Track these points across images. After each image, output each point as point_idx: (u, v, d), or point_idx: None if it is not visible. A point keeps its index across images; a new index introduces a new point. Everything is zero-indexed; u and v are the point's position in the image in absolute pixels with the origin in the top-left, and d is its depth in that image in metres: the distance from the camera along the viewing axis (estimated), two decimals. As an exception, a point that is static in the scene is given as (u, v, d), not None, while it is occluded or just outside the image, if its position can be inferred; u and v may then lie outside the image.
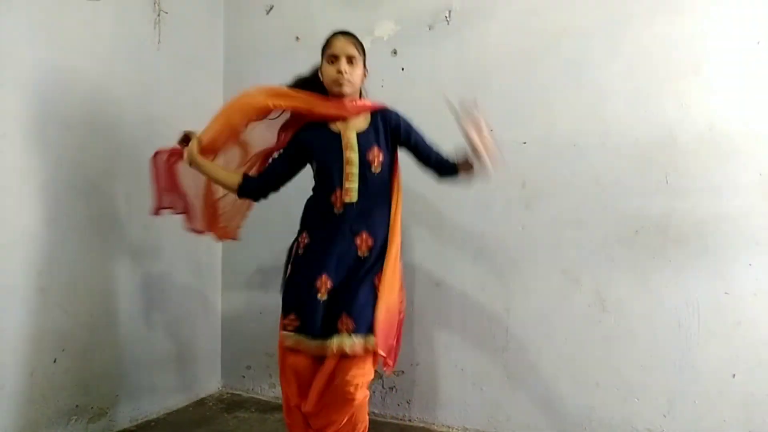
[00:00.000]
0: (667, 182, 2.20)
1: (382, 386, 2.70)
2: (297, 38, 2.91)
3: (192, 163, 1.98)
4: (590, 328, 2.31)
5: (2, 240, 2.08)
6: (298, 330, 1.87)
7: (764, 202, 2.07)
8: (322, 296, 1.85)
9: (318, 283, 1.85)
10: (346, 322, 1.81)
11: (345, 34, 1.93)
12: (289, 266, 1.99)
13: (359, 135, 1.92)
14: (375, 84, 2.63)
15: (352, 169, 1.88)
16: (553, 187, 2.38)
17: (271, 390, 2.98)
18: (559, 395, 2.36)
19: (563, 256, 2.36)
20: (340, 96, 1.90)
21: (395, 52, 2.68)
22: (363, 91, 2.04)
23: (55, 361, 2.27)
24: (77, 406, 2.35)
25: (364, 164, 1.89)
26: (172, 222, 2.76)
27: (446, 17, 2.59)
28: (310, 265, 1.89)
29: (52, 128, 2.25)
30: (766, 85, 2.07)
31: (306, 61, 2.82)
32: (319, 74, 1.98)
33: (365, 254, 1.89)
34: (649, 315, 2.22)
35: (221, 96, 3.10)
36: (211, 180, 2.06)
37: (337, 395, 1.81)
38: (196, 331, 2.97)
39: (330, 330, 1.83)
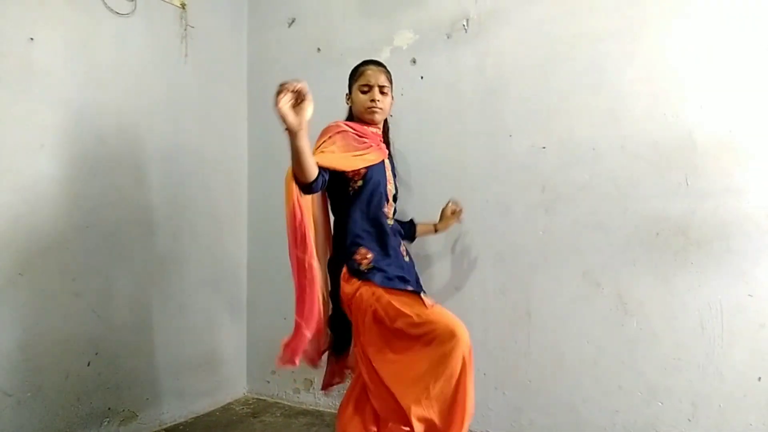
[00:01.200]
0: (687, 184, 2.20)
1: (405, 390, 2.72)
2: (318, 49, 2.98)
3: (298, 131, 1.54)
4: (612, 331, 2.31)
5: (39, 246, 2.19)
6: None
7: (787, 202, 2.06)
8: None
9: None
10: None
11: (376, 63, 2.06)
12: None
13: (389, 161, 2.12)
14: (395, 93, 2.69)
15: (391, 188, 2.06)
16: (573, 191, 2.39)
17: (295, 395, 3.03)
18: (582, 399, 2.36)
19: (584, 260, 2.37)
20: (372, 123, 2.05)
21: (414, 61, 2.73)
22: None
23: (89, 365, 2.35)
24: (109, 408, 2.43)
25: (394, 185, 2.10)
26: (199, 230, 2.87)
27: (464, 26, 2.63)
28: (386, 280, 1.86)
29: (86, 140, 2.35)
30: (786, 85, 2.07)
31: (327, 72, 2.93)
32: (347, 101, 2.11)
33: (407, 258, 2.07)
34: (671, 317, 2.22)
35: (245, 107, 3.20)
36: (298, 158, 1.64)
37: None
38: (222, 337, 3.04)
39: None
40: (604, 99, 2.35)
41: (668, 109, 2.24)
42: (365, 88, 2.01)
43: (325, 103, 3.09)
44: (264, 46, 3.17)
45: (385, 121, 2.19)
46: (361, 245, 1.90)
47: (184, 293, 2.79)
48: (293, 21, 3.07)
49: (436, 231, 2.42)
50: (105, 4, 2.42)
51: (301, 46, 3.04)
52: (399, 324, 1.75)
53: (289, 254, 1.87)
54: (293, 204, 1.77)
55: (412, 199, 2.65)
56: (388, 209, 2.03)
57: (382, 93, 2.02)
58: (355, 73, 2.07)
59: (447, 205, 2.41)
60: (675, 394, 2.21)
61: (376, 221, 1.95)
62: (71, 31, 2.30)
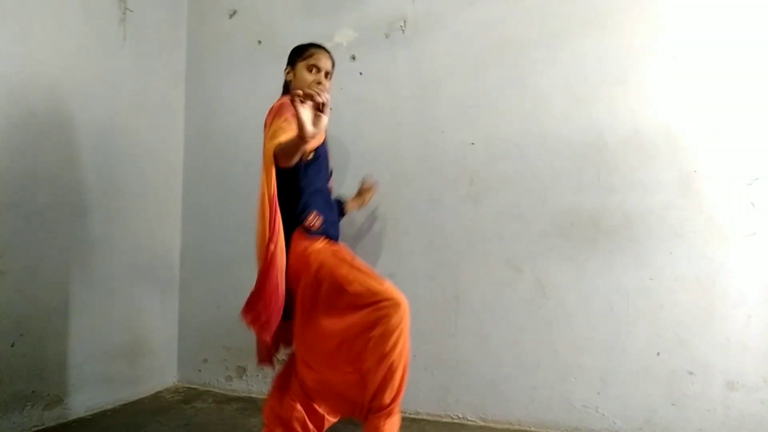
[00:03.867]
0: (599, 179, 2.43)
1: (337, 375, 2.80)
2: (259, 42, 3.04)
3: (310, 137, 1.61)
4: (532, 313, 2.50)
5: (-36, 222, 2.11)
6: None
7: (682, 197, 2.32)
8: None
9: None
10: None
11: (326, 50, 2.14)
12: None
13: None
14: (334, 87, 2.76)
15: (331, 166, 2.18)
16: (498, 184, 2.58)
17: (228, 383, 3.04)
18: (504, 377, 2.53)
19: (507, 248, 2.55)
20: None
21: (354, 58, 2.85)
22: None
23: (12, 346, 2.28)
24: (33, 392, 2.36)
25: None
26: (132, 214, 2.84)
27: (401, 27, 2.78)
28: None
29: (16, 116, 2.30)
30: (683, 93, 2.33)
31: (267, 64, 2.99)
32: (287, 74, 2.15)
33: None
34: (584, 300, 2.43)
35: (183, 95, 3.20)
36: (295, 153, 1.72)
37: None
38: (153, 324, 3.01)
39: None
40: (528, 100, 2.56)
41: (583, 112, 2.47)
42: (313, 69, 2.07)
43: (266, 95, 3.18)
44: (204, 35, 3.19)
45: None
46: (311, 210, 1.96)
47: (114, 278, 2.75)
48: (234, 12, 3.12)
49: (349, 209, 2.47)
50: (41, -20, 2.38)
51: (242, 38, 3.09)
52: (348, 286, 1.85)
53: (260, 248, 1.87)
54: (271, 196, 1.80)
55: (350, 189, 2.75)
56: (331, 184, 2.13)
57: (326, 78, 2.11)
58: (303, 51, 2.11)
59: (362, 182, 2.53)
60: (586, 370, 2.42)
61: (324, 194, 2.05)
62: (4, 6, 2.24)
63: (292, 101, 1.54)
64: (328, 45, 2.85)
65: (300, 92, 1.51)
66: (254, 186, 2.87)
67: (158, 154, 3.03)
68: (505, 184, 2.57)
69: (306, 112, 1.52)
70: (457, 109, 2.66)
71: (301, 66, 2.08)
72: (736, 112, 2.26)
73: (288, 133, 1.71)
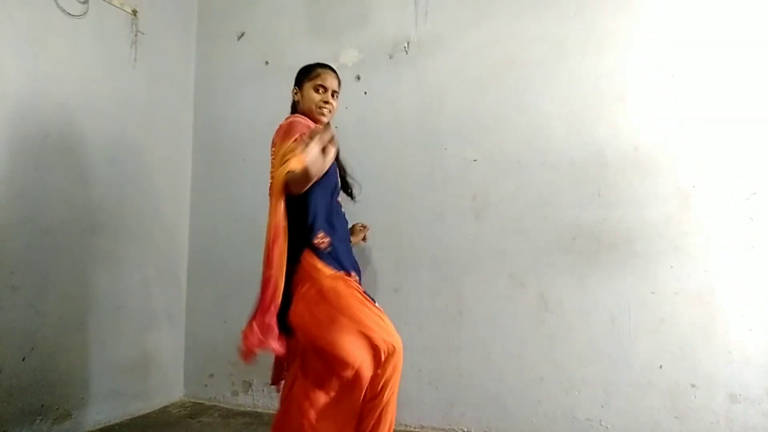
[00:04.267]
0: (599, 195, 2.48)
1: (343, 389, 2.83)
2: (266, 62, 3.12)
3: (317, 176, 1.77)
4: (534, 327, 2.53)
5: (-20, 238, 2.17)
6: None
7: (682, 211, 2.36)
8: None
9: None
10: None
11: (332, 69, 2.16)
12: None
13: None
14: (339, 106, 2.86)
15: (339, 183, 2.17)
16: (501, 200, 2.63)
17: (233, 398, 3.06)
18: (508, 390, 2.55)
19: (510, 262, 2.59)
20: (318, 122, 2.09)
21: (358, 78, 2.92)
22: None
23: (23, 360, 2.32)
24: (43, 406, 2.40)
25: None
26: (141, 231, 2.90)
27: (405, 48, 2.86)
28: (340, 261, 1.97)
29: (32, 135, 2.37)
30: (681, 111, 2.39)
31: (274, 84, 3.07)
32: (295, 95, 2.17)
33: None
34: (586, 314, 2.46)
35: (191, 115, 3.28)
36: (309, 181, 1.79)
37: None
38: (160, 340, 3.04)
39: None
40: (529, 118, 2.61)
41: (583, 129, 2.53)
42: (320, 89, 2.09)
43: (272, 114, 3.25)
44: (212, 56, 3.28)
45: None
46: (319, 230, 1.94)
47: (123, 293, 2.79)
48: (242, 34, 3.21)
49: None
50: (57, 4, 2.48)
51: (250, 59, 3.17)
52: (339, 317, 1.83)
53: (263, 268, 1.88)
54: (278, 222, 1.82)
55: (354, 206, 2.79)
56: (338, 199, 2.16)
57: (333, 97, 2.13)
58: (310, 71, 2.13)
59: (355, 225, 2.44)
60: (589, 384, 2.44)
61: (331, 209, 2.04)
62: (22, 27, 2.34)
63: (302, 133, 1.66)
64: (333, 65, 2.97)
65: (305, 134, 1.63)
66: (261, 203, 2.93)
67: (167, 172, 3.10)
68: (508, 199, 2.62)
69: (313, 151, 1.62)
70: (460, 127, 2.72)
71: (308, 86, 2.11)
72: (733, 129, 2.31)
73: (299, 160, 1.74)
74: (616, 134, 2.48)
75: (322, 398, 1.86)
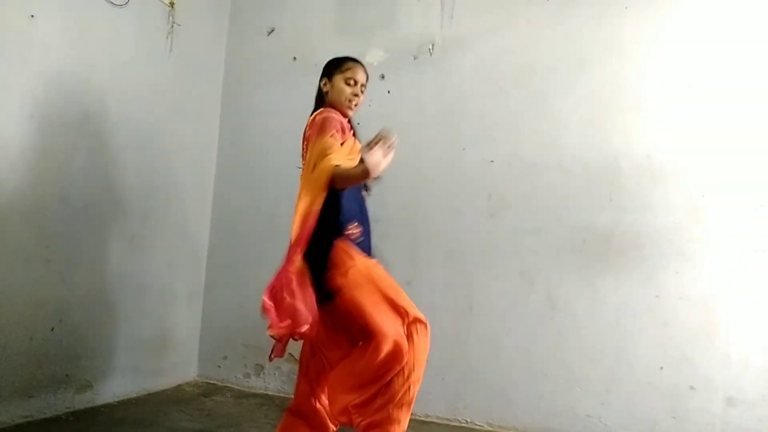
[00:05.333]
0: (611, 200, 2.57)
1: (352, 376, 2.93)
2: (294, 58, 3.23)
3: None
4: (542, 324, 2.62)
5: (19, 210, 2.29)
6: None
7: (690, 220, 2.45)
8: None
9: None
10: None
11: (362, 64, 2.19)
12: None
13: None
14: (363, 104, 2.97)
15: None
16: (515, 201, 2.72)
17: (245, 380, 3.17)
18: (513, 384, 2.64)
19: (521, 261, 2.68)
20: (346, 116, 2.15)
21: (383, 77, 3.02)
22: None
23: (52, 330, 2.43)
24: (67, 375, 2.51)
25: None
26: (167, 214, 3.01)
27: (429, 49, 2.96)
28: (368, 251, 2.07)
29: (73, 116, 2.49)
30: (694, 122, 2.48)
31: (301, 80, 3.17)
32: (324, 86, 2.19)
33: None
34: (593, 314, 2.55)
35: (219, 105, 3.40)
36: (355, 183, 1.99)
37: None
38: (179, 320, 3.15)
39: None
40: (546, 123, 2.71)
41: (599, 136, 2.62)
42: (351, 82, 2.12)
43: (298, 108, 3.35)
44: (242, 50, 3.39)
45: None
46: (352, 221, 2.03)
47: (147, 273, 2.90)
48: (272, 30, 3.32)
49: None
50: (102, -7, 2.59)
51: (278, 54, 3.28)
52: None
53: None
54: (315, 211, 1.88)
55: (373, 201, 2.90)
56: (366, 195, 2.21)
57: (361, 91, 2.17)
58: (341, 64, 2.15)
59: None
60: (592, 381, 2.53)
61: (359, 201, 2.12)
62: (69, 14, 2.45)
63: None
64: (359, 64, 3.08)
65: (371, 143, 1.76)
66: (282, 193, 3.06)
67: (193, 159, 3.21)
68: (522, 200, 2.71)
69: (376, 155, 1.75)
70: (479, 129, 2.81)
71: (338, 78, 2.13)
72: (745, 142, 2.40)
73: (344, 157, 1.88)
74: (631, 142, 2.57)
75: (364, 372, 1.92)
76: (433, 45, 2.95)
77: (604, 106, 2.62)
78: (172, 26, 2.96)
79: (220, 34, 3.39)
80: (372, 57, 3.05)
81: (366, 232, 2.10)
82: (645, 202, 2.52)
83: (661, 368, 2.43)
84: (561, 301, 2.61)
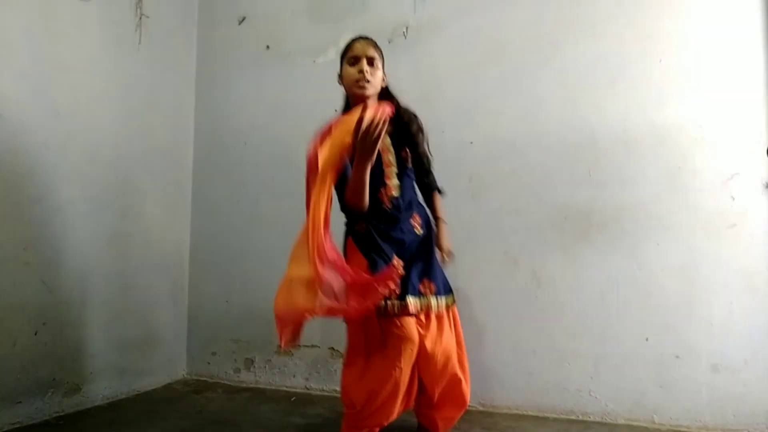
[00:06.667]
0: (590, 176, 2.59)
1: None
2: (267, 47, 3.19)
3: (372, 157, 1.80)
4: (527, 302, 2.64)
5: (-7, 214, 2.23)
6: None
7: (668, 191, 2.47)
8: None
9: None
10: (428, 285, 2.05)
11: (365, 38, 2.09)
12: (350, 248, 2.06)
13: (391, 135, 2.06)
14: (339, 89, 2.94)
15: (392, 169, 2.06)
16: (496, 181, 2.73)
17: (236, 375, 3.16)
18: (502, 363, 2.66)
19: (504, 241, 2.70)
20: (362, 98, 1.99)
21: (358, 62, 2.99)
22: (389, 93, 2.16)
23: (36, 334, 2.39)
24: (54, 379, 2.47)
25: (401, 162, 2.08)
26: (146, 211, 2.97)
27: (404, 33, 2.94)
28: (377, 249, 1.98)
29: (42, 114, 2.43)
30: (668, 95, 2.50)
31: (275, 68, 3.14)
32: (339, 80, 2.11)
33: (420, 231, 2.11)
34: (576, 289, 2.58)
35: (193, 98, 3.35)
36: (360, 184, 1.86)
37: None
38: (164, 317, 3.12)
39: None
40: (523, 102, 2.71)
41: (575, 112, 2.63)
42: (353, 60, 2.01)
43: (273, 97, 3.33)
44: (214, 40, 3.34)
45: (393, 97, 2.14)
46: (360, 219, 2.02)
47: (129, 271, 2.86)
48: (243, 19, 3.27)
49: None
50: (64, -14, 2.52)
51: (251, 43, 3.24)
52: None
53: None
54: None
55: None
56: (387, 190, 2.04)
57: (371, 65, 2.01)
58: (345, 50, 2.08)
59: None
60: (580, 357, 2.56)
61: (374, 201, 1.98)
62: (33, 10, 2.38)
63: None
64: (333, 50, 3.05)
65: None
66: (262, 185, 3.05)
67: (169, 153, 3.16)
68: (502, 180, 2.72)
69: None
70: (457, 111, 2.81)
71: (344, 65, 2.05)
72: (718, 112, 2.43)
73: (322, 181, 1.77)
74: (606, 117, 2.58)
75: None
76: (407, 28, 2.93)
77: (579, 83, 2.63)
78: (140, 18, 2.89)
79: (190, 25, 3.32)
80: (346, 42, 3.01)
81: (378, 232, 2.03)
82: (623, 176, 2.54)
83: (647, 339, 2.47)
84: (545, 279, 2.63)
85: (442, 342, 2.04)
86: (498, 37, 2.76)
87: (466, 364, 2.16)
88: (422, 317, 2.01)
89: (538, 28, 2.70)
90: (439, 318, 2.07)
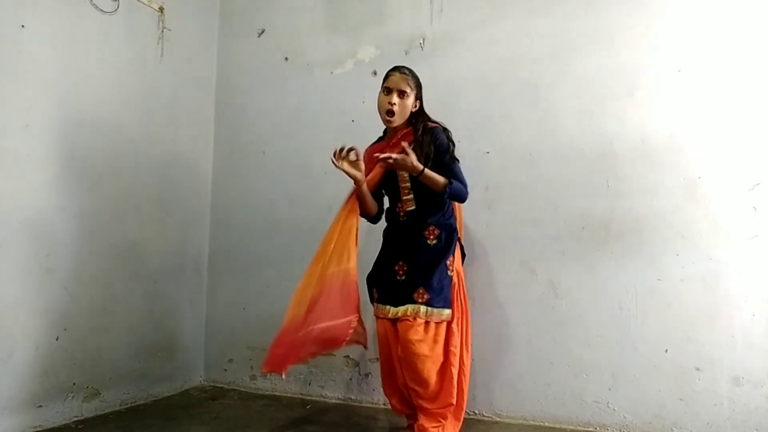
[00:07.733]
0: (608, 186, 2.57)
1: (359, 374, 2.94)
2: (286, 58, 3.24)
3: (362, 182, 2.26)
4: (544, 312, 2.62)
5: (19, 220, 2.30)
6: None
7: (687, 201, 2.45)
8: (400, 277, 2.27)
9: (396, 267, 2.29)
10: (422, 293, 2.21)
11: (401, 71, 2.26)
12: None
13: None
14: (357, 100, 2.99)
15: (407, 187, 2.30)
16: (512, 191, 2.72)
17: (252, 382, 3.17)
18: (519, 374, 2.64)
19: (521, 250, 2.69)
20: (388, 125, 2.29)
21: (375, 73, 3.01)
22: (421, 117, 2.34)
23: (57, 339, 2.44)
24: (74, 384, 2.52)
25: (415, 179, 2.23)
26: (164, 219, 3.02)
27: (420, 44, 2.96)
28: (387, 256, 2.35)
29: (67, 124, 2.50)
30: (686, 104, 2.48)
31: (294, 79, 3.18)
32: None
33: (434, 242, 2.28)
34: (594, 300, 2.55)
35: (213, 109, 3.41)
36: (364, 199, 2.31)
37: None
38: (182, 325, 3.16)
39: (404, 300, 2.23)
40: (540, 112, 2.71)
41: (593, 122, 2.62)
42: (386, 90, 2.24)
43: (291, 108, 3.37)
44: (234, 52, 3.40)
45: (418, 121, 2.32)
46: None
47: (149, 279, 2.91)
48: (263, 31, 3.32)
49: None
50: (90, 1, 2.59)
51: (270, 55, 3.29)
52: None
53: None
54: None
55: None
56: (403, 205, 2.33)
57: (400, 97, 2.22)
58: (385, 77, 2.29)
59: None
60: (597, 367, 2.53)
61: (392, 215, 2.39)
62: (59, 23, 2.46)
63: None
64: (350, 61, 3.09)
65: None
66: (279, 194, 3.08)
67: (189, 163, 3.22)
68: (519, 190, 2.71)
69: (341, 164, 2.18)
70: (473, 121, 2.81)
71: (381, 90, 2.27)
72: (738, 121, 2.40)
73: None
74: (625, 127, 2.57)
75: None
76: (423, 39, 2.95)
77: (596, 93, 2.62)
78: (162, 31, 2.96)
79: (211, 37, 3.38)
80: (363, 54, 3.06)
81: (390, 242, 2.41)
82: (642, 186, 2.52)
83: (666, 351, 2.44)
84: (563, 289, 2.61)
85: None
86: (514, 48, 2.77)
87: (453, 380, 2.24)
88: (410, 319, 2.19)
89: (554, 39, 2.71)
90: (426, 323, 2.21)
